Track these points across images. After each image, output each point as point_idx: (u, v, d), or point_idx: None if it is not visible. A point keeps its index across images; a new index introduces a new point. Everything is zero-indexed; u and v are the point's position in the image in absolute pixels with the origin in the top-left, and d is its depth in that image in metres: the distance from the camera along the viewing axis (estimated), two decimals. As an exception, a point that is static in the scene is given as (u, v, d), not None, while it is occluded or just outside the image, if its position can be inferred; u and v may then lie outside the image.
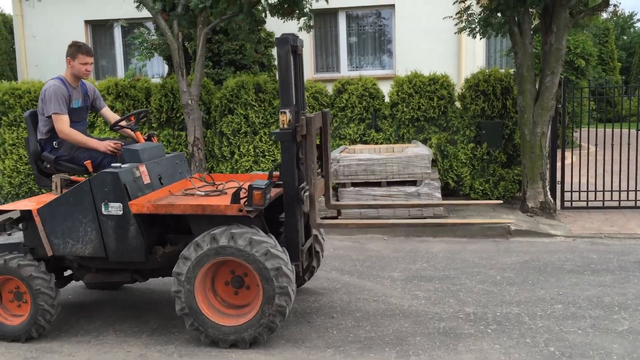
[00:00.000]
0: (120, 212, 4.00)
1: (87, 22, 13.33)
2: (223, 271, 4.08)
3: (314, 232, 4.96)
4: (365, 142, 8.47)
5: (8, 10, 15.28)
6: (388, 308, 4.74)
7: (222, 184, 4.79)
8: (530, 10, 7.63)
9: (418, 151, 7.33)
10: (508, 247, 6.58)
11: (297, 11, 7.93)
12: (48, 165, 4.63)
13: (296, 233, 4.23)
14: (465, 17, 7.83)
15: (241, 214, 3.87)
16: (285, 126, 4.14)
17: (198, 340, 4.09)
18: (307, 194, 4.14)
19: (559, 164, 8.18)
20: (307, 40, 13.03)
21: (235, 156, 8.56)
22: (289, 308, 3.93)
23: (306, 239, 4.67)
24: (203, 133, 8.36)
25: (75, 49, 4.74)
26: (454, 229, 7.13)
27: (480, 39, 7.92)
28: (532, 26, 7.82)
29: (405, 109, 8.33)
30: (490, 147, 8.20)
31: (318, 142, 4.73)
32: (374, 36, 13.34)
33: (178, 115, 8.60)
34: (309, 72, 13.03)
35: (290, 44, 4.15)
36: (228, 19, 7.99)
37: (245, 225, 3.98)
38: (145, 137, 5.02)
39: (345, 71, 13.20)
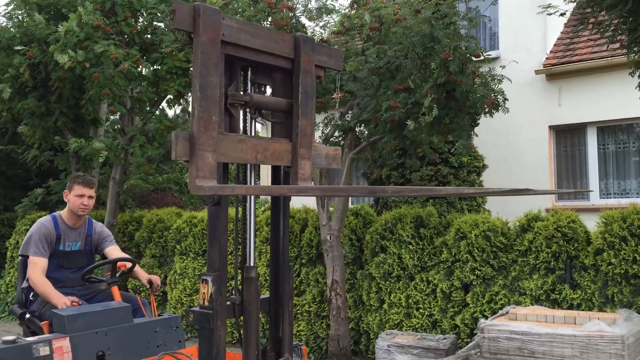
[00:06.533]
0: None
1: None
2: None
3: None
4: (556, 302, 6.03)
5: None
6: None
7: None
8: None
9: (606, 328, 4.76)
10: None
11: (455, 129, 6.26)
12: (18, 323, 3.92)
13: None
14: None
15: None
16: (206, 303, 2.70)
17: None
18: None
19: None
20: (547, 161, 10.90)
21: (385, 306, 6.92)
22: None
23: None
24: (345, 275, 7.00)
25: (72, 179, 4.11)
26: None
27: None
28: None
29: (613, 260, 5.74)
30: None
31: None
32: (636, 155, 10.47)
33: (332, 251, 7.43)
34: (549, 199, 10.73)
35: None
36: (375, 142, 6.76)
37: None
38: (150, 291, 4.00)
39: (596, 198, 10.55)
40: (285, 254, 3.04)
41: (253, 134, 2.94)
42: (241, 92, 2.85)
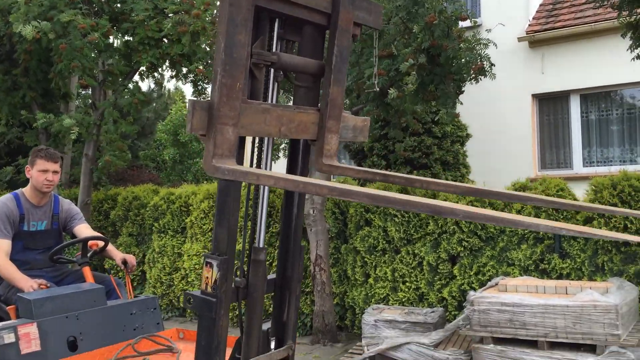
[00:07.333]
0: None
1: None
2: None
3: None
4: (545, 272, 5.91)
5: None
6: None
7: (174, 350, 3.22)
8: None
9: (599, 298, 4.64)
10: None
11: (440, 96, 6.04)
12: (-17, 307, 3.66)
13: None
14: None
15: None
16: (209, 289, 2.43)
17: None
18: None
19: None
20: (530, 130, 10.76)
21: (370, 280, 6.76)
22: None
23: None
24: (329, 250, 6.80)
25: (34, 153, 3.81)
26: None
27: None
28: None
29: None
30: None
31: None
32: (619, 123, 10.37)
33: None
34: (532, 169, 10.63)
35: None
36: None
37: None
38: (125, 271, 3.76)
39: (579, 167, 10.49)
40: (298, 234, 2.72)
41: (274, 101, 2.52)
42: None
